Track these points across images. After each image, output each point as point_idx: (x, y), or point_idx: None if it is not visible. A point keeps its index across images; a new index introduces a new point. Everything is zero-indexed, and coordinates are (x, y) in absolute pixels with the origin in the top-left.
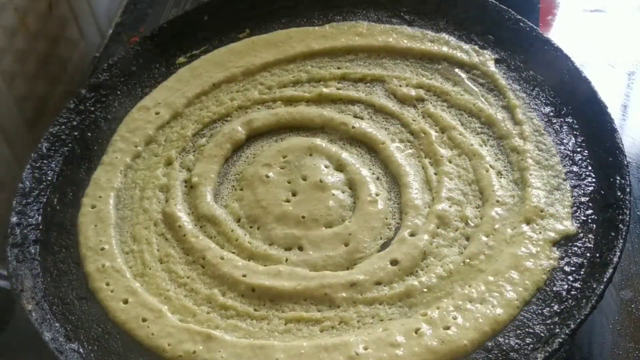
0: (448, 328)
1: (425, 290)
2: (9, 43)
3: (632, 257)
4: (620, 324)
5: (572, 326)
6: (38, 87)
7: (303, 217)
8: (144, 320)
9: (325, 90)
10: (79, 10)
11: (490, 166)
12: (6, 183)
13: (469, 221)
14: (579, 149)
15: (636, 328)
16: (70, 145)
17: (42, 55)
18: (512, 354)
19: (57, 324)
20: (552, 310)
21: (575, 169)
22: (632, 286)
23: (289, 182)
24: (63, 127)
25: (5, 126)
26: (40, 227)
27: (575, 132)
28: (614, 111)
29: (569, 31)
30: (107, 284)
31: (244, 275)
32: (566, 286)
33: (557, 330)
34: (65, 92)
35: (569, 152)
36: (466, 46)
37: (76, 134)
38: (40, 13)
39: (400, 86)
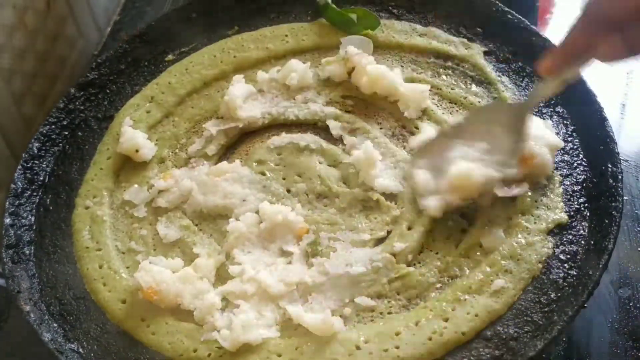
0: (447, 319)
1: (423, 282)
2: (8, 41)
3: (630, 255)
4: (619, 322)
5: (570, 313)
6: (36, 85)
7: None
8: (143, 319)
9: None
10: (77, 8)
11: None
12: (5, 181)
13: (465, 214)
14: (569, 139)
15: (634, 326)
16: (61, 145)
17: (41, 53)
18: (511, 342)
19: (55, 325)
20: (549, 298)
21: (566, 158)
22: (630, 284)
23: (284, 179)
24: (53, 126)
25: (3, 124)
26: (34, 227)
27: (565, 122)
28: (613, 110)
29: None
30: (105, 284)
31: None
32: (562, 274)
33: (555, 317)
34: (63, 90)
35: None
36: (455, 39)
37: (67, 133)
38: (39, 11)
39: None
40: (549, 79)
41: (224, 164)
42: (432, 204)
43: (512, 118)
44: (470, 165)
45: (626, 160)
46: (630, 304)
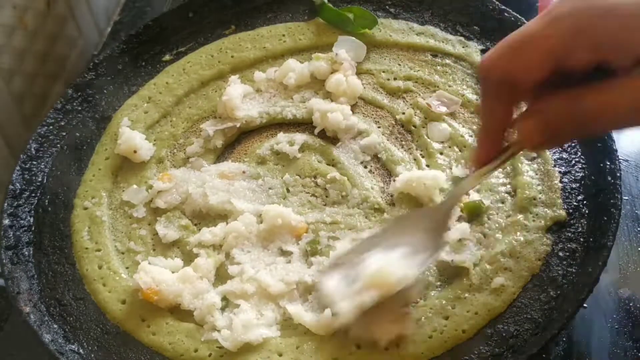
0: (447, 317)
1: (423, 280)
2: (8, 41)
3: (630, 255)
4: (619, 322)
5: (570, 310)
6: (36, 85)
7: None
8: (143, 320)
9: None
10: (77, 8)
11: None
12: (4, 181)
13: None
14: None
15: (634, 326)
16: (58, 145)
17: (41, 53)
18: (511, 340)
19: (55, 326)
20: (549, 295)
21: (564, 155)
22: (631, 284)
23: (282, 178)
24: (51, 127)
25: (3, 124)
26: (33, 228)
27: None
28: None
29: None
30: (104, 285)
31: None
32: (561, 271)
33: (555, 314)
34: (63, 90)
35: None
36: (452, 38)
37: (64, 134)
38: (39, 11)
39: (388, 79)
40: (476, 172)
41: (223, 164)
42: (344, 308)
43: (434, 221)
44: (386, 262)
45: (626, 160)
46: (630, 304)
